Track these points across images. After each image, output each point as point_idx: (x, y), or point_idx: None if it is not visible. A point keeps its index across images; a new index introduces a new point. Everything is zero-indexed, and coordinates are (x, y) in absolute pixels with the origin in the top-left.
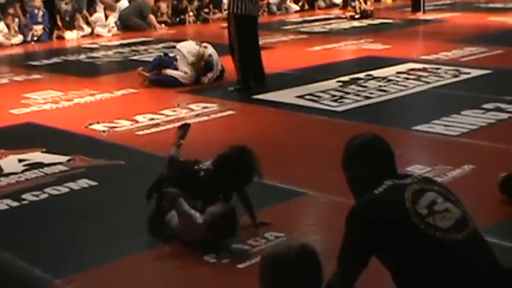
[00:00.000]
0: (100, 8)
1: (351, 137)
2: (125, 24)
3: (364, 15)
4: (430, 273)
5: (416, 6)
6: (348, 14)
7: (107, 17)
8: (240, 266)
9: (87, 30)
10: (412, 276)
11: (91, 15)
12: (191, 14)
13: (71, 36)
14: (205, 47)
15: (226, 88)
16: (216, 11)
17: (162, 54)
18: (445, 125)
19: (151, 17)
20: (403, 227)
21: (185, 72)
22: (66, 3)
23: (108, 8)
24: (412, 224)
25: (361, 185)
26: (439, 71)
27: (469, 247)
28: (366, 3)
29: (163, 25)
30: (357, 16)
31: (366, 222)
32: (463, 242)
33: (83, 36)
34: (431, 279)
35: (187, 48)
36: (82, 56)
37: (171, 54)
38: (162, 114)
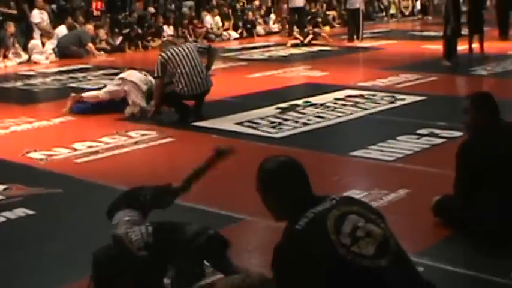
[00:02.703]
0: (37, 34)
1: (264, 159)
2: (63, 52)
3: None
4: None
5: (353, 34)
6: (290, 42)
7: (43, 44)
8: None
9: (24, 57)
10: None
11: (28, 41)
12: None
13: (7, 63)
14: (146, 74)
15: (166, 115)
16: (156, 39)
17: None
18: (381, 151)
19: (90, 45)
20: (330, 261)
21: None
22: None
23: (45, 35)
24: (339, 257)
25: (276, 210)
26: (375, 97)
27: (394, 272)
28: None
29: (102, 52)
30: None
31: (291, 264)
32: (387, 267)
33: (19, 63)
34: None
35: (136, 76)
36: (19, 83)
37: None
38: (101, 141)
